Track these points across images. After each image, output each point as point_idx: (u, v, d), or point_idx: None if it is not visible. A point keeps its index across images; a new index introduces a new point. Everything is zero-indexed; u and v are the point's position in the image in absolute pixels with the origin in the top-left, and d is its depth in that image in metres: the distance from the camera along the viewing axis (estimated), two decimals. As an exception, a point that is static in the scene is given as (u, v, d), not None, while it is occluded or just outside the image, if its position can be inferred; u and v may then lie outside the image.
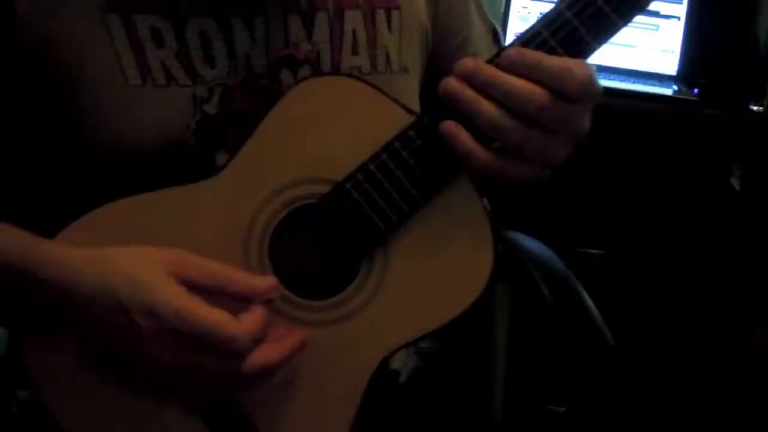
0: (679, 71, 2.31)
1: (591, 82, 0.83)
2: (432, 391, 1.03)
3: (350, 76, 0.97)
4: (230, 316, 0.82)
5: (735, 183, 2.15)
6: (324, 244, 0.94)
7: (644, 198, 2.19)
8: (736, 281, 2.18)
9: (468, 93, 0.85)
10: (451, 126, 0.86)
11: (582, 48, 0.86)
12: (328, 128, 0.93)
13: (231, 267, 0.86)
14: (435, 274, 0.93)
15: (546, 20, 0.87)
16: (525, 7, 2.38)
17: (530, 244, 1.32)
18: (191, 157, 0.94)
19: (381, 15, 1.03)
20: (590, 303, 1.23)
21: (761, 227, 2.11)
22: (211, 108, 0.95)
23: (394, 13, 1.04)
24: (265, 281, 0.87)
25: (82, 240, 0.87)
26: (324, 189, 0.91)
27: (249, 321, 0.83)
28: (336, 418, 0.92)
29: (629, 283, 2.22)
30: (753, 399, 2.10)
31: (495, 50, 1.06)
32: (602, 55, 0.87)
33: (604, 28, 0.86)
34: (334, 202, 0.91)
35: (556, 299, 1.21)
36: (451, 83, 0.85)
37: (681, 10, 2.33)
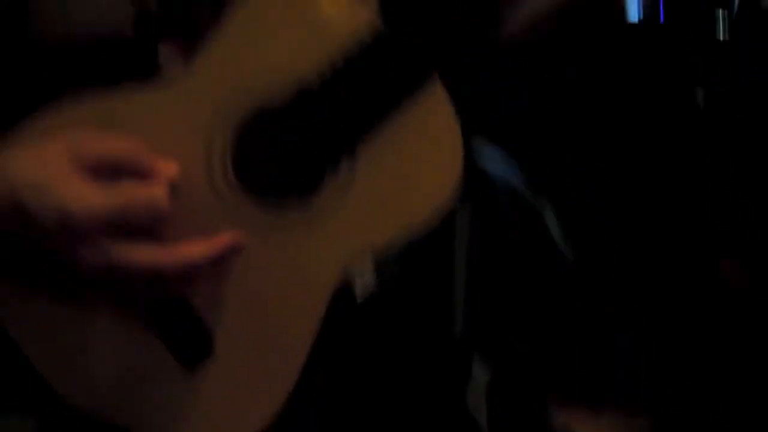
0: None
1: None
2: (391, 311, 1.01)
3: None
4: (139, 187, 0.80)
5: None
6: (288, 150, 0.91)
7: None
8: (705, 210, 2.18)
9: None
10: None
11: None
12: (293, 29, 0.89)
13: (132, 141, 0.83)
14: (401, 181, 0.91)
15: None
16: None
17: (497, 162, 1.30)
18: (131, 49, 0.90)
19: None
20: (553, 223, 1.22)
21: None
22: None
23: None
24: (171, 164, 0.83)
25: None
26: (290, 87, 0.88)
27: (158, 186, 0.81)
28: (300, 326, 0.90)
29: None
30: (722, 333, 2.11)
31: None
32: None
33: None
34: (300, 106, 0.88)
35: (520, 222, 1.20)
36: None
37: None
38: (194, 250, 0.82)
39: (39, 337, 0.88)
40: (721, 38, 2.07)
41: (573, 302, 1.20)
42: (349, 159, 0.90)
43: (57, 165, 0.79)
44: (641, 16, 2.19)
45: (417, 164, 0.91)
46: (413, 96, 0.89)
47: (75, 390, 0.89)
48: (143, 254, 0.80)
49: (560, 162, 2.13)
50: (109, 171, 0.80)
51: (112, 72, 0.88)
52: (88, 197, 0.78)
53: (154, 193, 0.80)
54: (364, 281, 1.07)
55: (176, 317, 0.88)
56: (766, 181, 2.08)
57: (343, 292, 0.92)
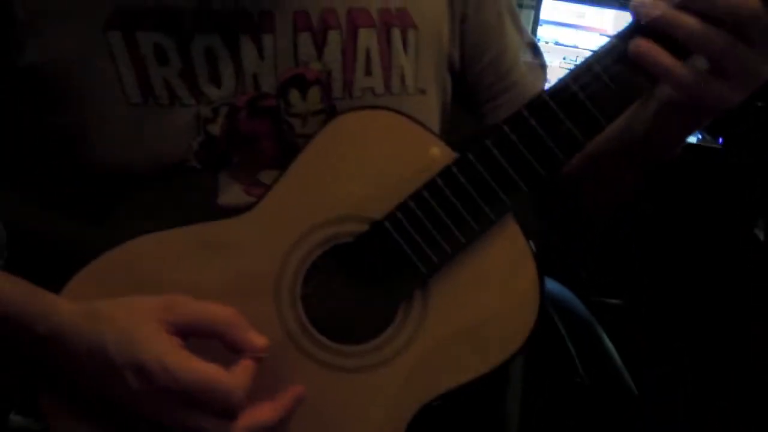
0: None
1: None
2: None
3: (390, 109, 0.92)
4: (221, 368, 0.80)
5: (759, 233, 2.13)
6: (360, 286, 0.91)
7: (666, 247, 2.17)
8: (757, 334, 2.16)
9: (667, 9, 0.79)
10: (643, 43, 0.81)
11: None
12: (366, 164, 0.89)
13: (228, 310, 0.83)
14: (474, 323, 0.89)
15: None
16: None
17: (552, 285, 1.29)
18: (193, 178, 0.91)
19: (396, 34, 0.99)
20: (612, 350, 1.19)
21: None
22: (215, 128, 0.91)
23: (411, 33, 1.00)
24: (262, 338, 0.83)
25: (91, 291, 0.84)
26: (361, 228, 0.88)
27: (241, 373, 0.81)
28: None
29: (648, 333, 2.20)
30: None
31: (535, 64, 1.03)
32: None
33: None
34: (371, 242, 0.88)
35: (577, 344, 1.18)
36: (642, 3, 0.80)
37: (706, 60, 2.31)
38: (264, 415, 0.83)
39: None
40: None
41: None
42: (422, 293, 0.88)
43: (149, 321, 0.80)
44: (700, 137, 2.19)
45: (492, 301, 0.89)
46: (487, 229, 0.88)
47: None
48: (214, 425, 0.81)
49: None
50: (201, 335, 0.82)
51: (172, 198, 0.89)
52: (170, 364, 0.78)
53: (233, 386, 0.79)
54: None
55: None
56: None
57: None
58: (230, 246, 0.88)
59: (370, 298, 0.90)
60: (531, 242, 0.88)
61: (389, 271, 0.88)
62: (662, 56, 0.80)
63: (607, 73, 0.83)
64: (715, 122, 2.17)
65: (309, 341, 0.88)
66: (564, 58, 2.35)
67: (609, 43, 0.83)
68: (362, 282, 0.90)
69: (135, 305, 0.82)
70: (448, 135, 0.97)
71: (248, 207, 0.89)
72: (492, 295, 0.89)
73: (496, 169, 0.86)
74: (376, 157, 0.89)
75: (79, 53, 0.87)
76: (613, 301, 2.20)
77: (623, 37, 0.82)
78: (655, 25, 0.80)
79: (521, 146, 0.85)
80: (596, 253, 1.98)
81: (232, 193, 0.93)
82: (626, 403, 1.14)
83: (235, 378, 0.80)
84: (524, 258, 0.88)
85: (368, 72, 0.97)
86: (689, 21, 0.78)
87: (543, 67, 1.14)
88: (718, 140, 2.19)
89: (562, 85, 0.83)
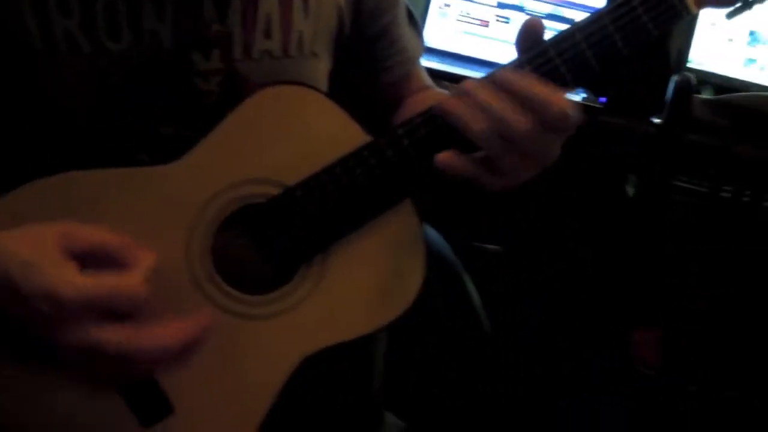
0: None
1: (570, 116, 0.88)
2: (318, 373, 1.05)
3: (316, 89, 0.99)
4: (121, 277, 0.85)
5: (629, 190, 2.22)
6: (265, 244, 0.97)
7: (543, 198, 2.24)
8: (623, 284, 2.25)
9: (463, 111, 0.88)
10: (446, 156, 0.89)
11: (563, 84, 0.89)
12: (288, 135, 0.95)
13: (120, 236, 0.88)
14: (366, 287, 0.97)
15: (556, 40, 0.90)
16: (447, 5, 2.41)
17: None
18: (88, 129, 0.95)
19: (298, 0, 1.04)
20: (472, 289, 1.28)
21: (649, 233, 2.19)
22: (115, 80, 0.94)
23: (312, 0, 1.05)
24: (151, 254, 0.88)
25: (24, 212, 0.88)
26: (274, 191, 0.94)
27: (137, 275, 0.85)
28: (251, 407, 0.95)
29: (522, 280, 2.29)
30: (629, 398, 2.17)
31: (411, 31, 1.10)
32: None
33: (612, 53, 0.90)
34: (282, 205, 0.94)
35: (441, 284, 1.25)
36: (450, 101, 0.89)
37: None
38: (167, 335, 0.87)
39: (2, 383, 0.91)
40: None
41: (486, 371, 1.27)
42: (322, 257, 0.96)
43: (50, 248, 0.83)
44: (585, 96, 2.27)
45: (384, 270, 0.97)
46: (388, 208, 0.96)
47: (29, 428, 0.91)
48: (120, 335, 0.85)
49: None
50: (95, 259, 0.85)
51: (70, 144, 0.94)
52: (76, 282, 0.82)
53: (132, 284, 0.84)
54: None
55: (139, 385, 0.93)
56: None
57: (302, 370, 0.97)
58: (148, 192, 0.93)
59: (273, 257, 0.97)
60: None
61: (294, 234, 0.95)
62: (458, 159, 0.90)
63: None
64: (602, 83, 2.25)
65: (213, 287, 0.94)
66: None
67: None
68: (267, 241, 0.97)
69: (34, 235, 0.85)
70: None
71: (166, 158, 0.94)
72: (384, 264, 0.97)
73: (404, 158, 0.93)
74: (298, 130, 0.96)
75: None
76: (492, 246, 2.28)
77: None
78: (449, 122, 0.89)
79: (430, 140, 0.92)
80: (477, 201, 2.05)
81: (124, 144, 0.97)
82: (480, 341, 1.22)
83: (133, 278, 0.85)
84: (416, 235, 0.97)
85: (267, 35, 1.02)
86: (480, 127, 0.87)
87: (420, 33, 1.22)
88: (600, 99, 2.26)
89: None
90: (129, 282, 0.85)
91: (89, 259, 0.85)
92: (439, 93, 1.16)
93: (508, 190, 0.93)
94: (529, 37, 0.90)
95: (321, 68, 1.09)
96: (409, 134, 0.93)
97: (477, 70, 2.25)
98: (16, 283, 0.82)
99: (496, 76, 0.88)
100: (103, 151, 0.96)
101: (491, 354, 1.26)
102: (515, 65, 0.90)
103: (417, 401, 1.32)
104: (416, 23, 1.22)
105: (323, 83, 1.09)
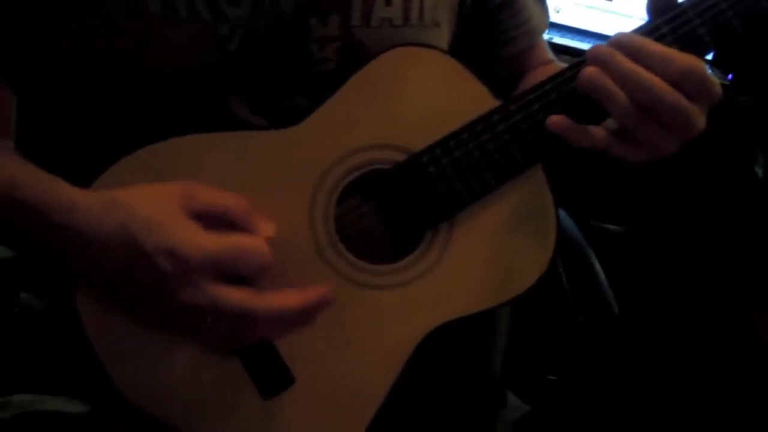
0: (715, 56, 2.29)
1: (714, 82, 0.86)
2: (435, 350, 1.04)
3: (444, 51, 0.96)
4: (247, 238, 0.84)
5: (758, 170, 2.15)
6: (390, 211, 0.95)
7: (667, 177, 2.19)
8: (747, 268, 2.19)
9: (607, 83, 0.85)
10: (559, 120, 0.88)
11: (701, 49, 0.88)
12: (413, 98, 0.93)
13: (242, 201, 0.87)
14: (493, 258, 0.94)
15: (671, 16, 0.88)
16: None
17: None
18: (203, 97, 0.93)
19: None
20: (600, 274, 1.24)
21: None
22: (231, 47, 0.92)
23: None
24: (271, 224, 0.87)
25: (130, 180, 0.86)
26: (399, 157, 0.92)
27: (261, 239, 0.85)
28: (373, 383, 0.93)
29: (644, 261, 2.23)
30: (754, 383, 2.11)
31: (536, 2, 1.08)
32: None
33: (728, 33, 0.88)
34: (407, 172, 0.92)
35: (568, 267, 1.23)
36: (592, 73, 0.86)
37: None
38: (288, 300, 0.86)
39: (122, 350, 0.89)
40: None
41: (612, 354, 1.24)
42: (448, 225, 0.93)
43: (171, 207, 0.83)
44: (710, 72, 2.19)
45: (512, 241, 0.94)
46: (518, 176, 0.93)
47: (148, 400, 0.89)
48: (241, 297, 0.84)
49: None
50: (215, 221, 0.84)
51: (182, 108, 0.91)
52: (199, 240, 0.82)
53: (259, 245, 0.84)
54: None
55: (260, 353, 0.91)
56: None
57: (428, 342, 0.94)
58: (269, 157, 0.91)
59: (399, 225, 0.95)
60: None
61: (420, 202, 0.93)
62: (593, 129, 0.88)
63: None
64: (729, 59, 2.19)
65: (337, 256, 0.92)
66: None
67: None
68: (393, 208, 0.95)
69: (154, 193, 0.85)
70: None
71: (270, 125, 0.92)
72: (512, 236, 0.94)
73: (534, 123, 0.91)
74: (422, 93, 0.94)
75: None
76: (613, 227, 2.24)
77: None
78: (591, 93, 0.86)
79: (561, 105, 0.90)
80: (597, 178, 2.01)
81: (241, 111, 0.95)
82: (608, 324, 1.19)
83: (257, 240, 0.85)
84: (547, 207, 0.94)
85: (388, 3, 0.99)
86: (622, 99, 0.85)
87: (544, 4, 1.18)
88: (728, 77, 2.19)
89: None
90: (255, 243, 0.84)
91: (208, 221, 0.84)
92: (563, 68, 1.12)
93: (651, 162, 0.90)
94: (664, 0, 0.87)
95: (442, 38, 1.06)
96: (539, 99, 0.91)
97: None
98: (138, 240, 0.81)
99: (634, 42, 0.86)
100: (216, 116, 0.94)
101: (618, 337, 1.23)
102: (649, 29, 0.87)
103: (539, 384, 1.30)
104: None
105: None
